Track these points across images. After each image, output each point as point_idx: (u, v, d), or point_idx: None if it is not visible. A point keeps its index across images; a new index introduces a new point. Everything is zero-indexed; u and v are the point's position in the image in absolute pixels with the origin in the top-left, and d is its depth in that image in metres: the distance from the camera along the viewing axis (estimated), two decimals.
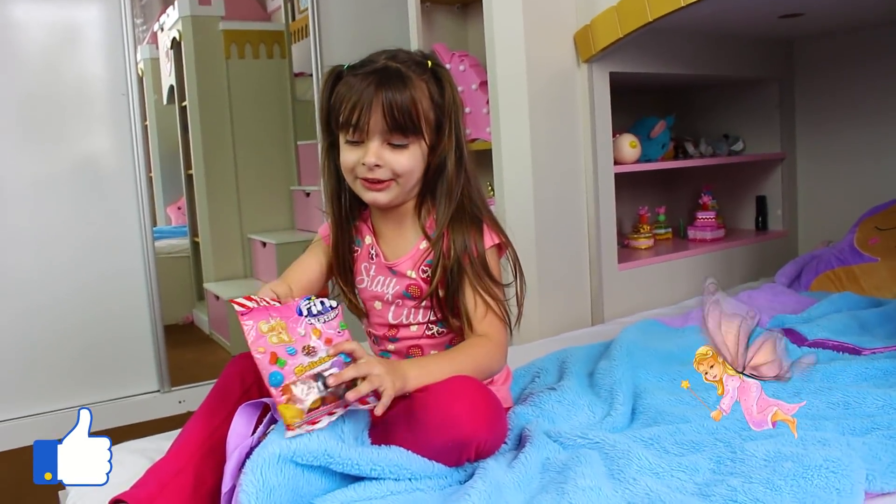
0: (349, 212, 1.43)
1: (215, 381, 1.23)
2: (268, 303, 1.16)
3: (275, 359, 1.09)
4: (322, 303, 1.16)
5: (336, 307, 1.18)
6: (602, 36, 2.20)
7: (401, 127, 1.26)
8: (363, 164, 1.29)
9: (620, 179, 2.57)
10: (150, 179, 3.15)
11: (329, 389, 1.09)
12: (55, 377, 2.94)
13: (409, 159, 1.29)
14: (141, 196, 3.05)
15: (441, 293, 1.33)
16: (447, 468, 1.15)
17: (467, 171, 1.35)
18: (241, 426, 1.15)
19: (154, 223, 3.16)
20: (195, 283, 4.73)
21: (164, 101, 5.12)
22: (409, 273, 1.36)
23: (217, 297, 4.11)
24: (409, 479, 1.09)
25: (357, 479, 1.10)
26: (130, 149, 3.02)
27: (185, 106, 4.48)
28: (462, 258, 1.32)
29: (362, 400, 1.10)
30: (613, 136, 2.45)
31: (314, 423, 1.08)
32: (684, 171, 3.11)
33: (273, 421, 1.15)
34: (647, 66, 2.42)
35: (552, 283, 2.31)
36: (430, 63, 1.33)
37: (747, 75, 2.81)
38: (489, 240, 1.34)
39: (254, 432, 1.14)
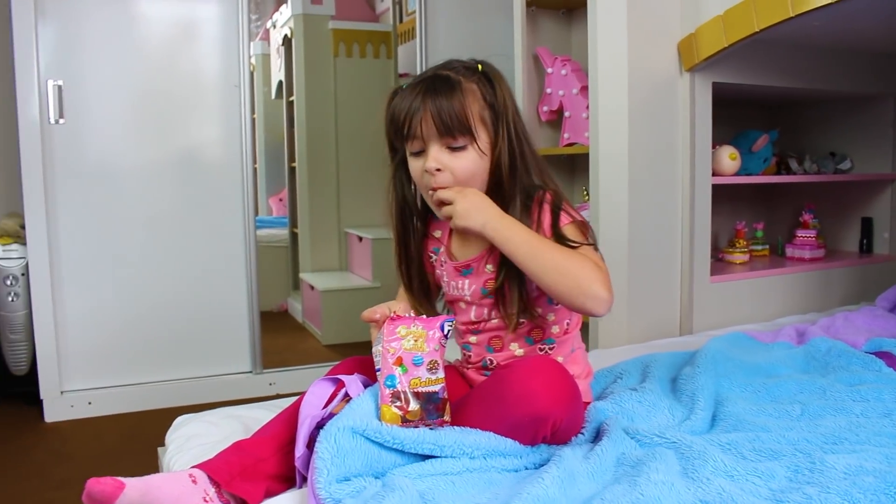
0: (417, 224, 1.49)
1: (305, 366, 1.29)
2: (413, 316, 1.26)
3: (398, 362, 1.18)
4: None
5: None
6: (706, 45, 2.18)
7: (450, 128, 1.30)
8: (426, 172, 1.33)
9: (719, 192, 2.54)
10: (255, 171, 3.27)
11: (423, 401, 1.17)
12: (158, 351, 3.11)
13: (467, 161, 1.33)
14: (246, 186, 3.18)
15: (512, 290, 1.34)
16: (522, 447, 1.18)
17: (528, 164, 1.37)
18: (314, 398, 1.23)
19: (256, 213, 3.28)
20: (292, 273, 4.88)
21: (273, 96, 5.29)
22: (487, 268, 1.39)
23: (312, 287, 4.22)
24: (484, 457, 1.12)
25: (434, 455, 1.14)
26: (239, 140, 3.16)
27: (293, 101, 4.63)
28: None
29: (440, 422, 1.18)
30: (713, 147, 2.42)
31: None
32: (786, 187, 3.05)
33: (346, 398, 1.21)
34: (752, 78, 2.38)
35: (642, 289, 2.30)
36: (480, 67, 1.38)
37: (860, 91, 2.72)
38: (564, 219, 1.35)
39: (326, 406, 1.21)
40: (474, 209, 1.27)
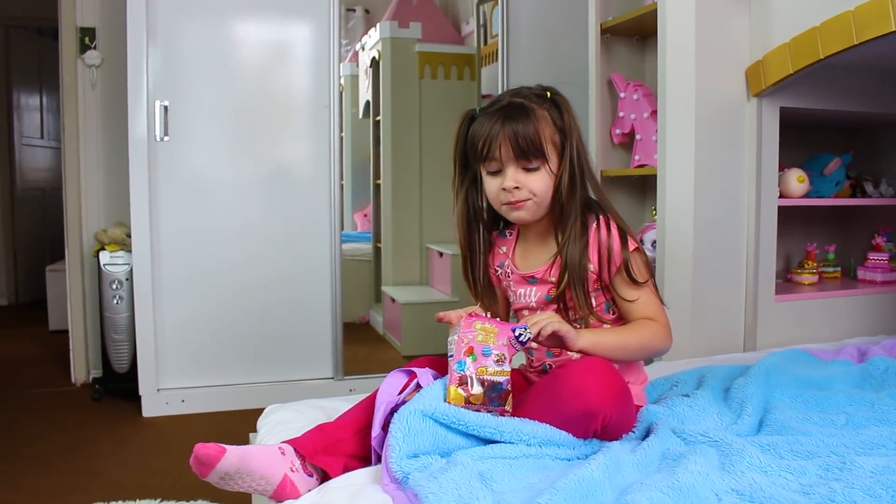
0: (484, 235, 1.64)
1: (384, 375, 1.44)
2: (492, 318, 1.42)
3: (469, 352, 1.32)
4: (530, 339, 1.37)
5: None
6: (773, 71, 2.25)
7: (526, 153, 1.46)
8: (504, 190, 1.49)
9: (791, 215, 2.58)
10: (341, 187, 3.43)
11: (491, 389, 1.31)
12: (247, 355, 3.30)
13: (541, 180, 1.49)
14: (333, 202, 3.34)
15: (577, 296, 1.49)
16: (574, 439, 1.30)
17: (587, 183, 1.52)
18: (389, 387, 1.38)
19: (342, 227, 3.44)
20: (374, 286, 5.04)
21: (360, 115, 5.49)
22: (550, 278, 1.54)
23: (393, 300, 4.37)
24: (539, 446, 1.24)
25: (494, 440, 1.27)
26: (328, 158, 3.33)
27: (379, 120, 4.80)
28: (607, 267, 1.50)
29: (501, 410, 1.31)
30: (781, 170, 2.48)
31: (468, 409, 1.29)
32: (863, 211, 3.05)
33: (418, 388, 1.36)
34: (821, 103, 2.43)
35: (706, 306, 2.37)
36: (549, 94, 1.52)
37: None
38: (631, 245, 1.51)
39: (400, 393, 1.36)
40: (577, 333, 1.41)
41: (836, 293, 2.62)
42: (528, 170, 1.48)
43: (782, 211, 2.48)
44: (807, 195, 2.57)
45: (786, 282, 2.79)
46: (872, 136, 3.11)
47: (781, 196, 2.49)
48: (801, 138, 2.80)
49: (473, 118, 1.54)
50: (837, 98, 2.46)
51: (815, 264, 2.80)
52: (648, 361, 2.11)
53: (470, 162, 1.56)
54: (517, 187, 1.48)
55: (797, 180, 2.51)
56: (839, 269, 2.93)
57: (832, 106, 2.46)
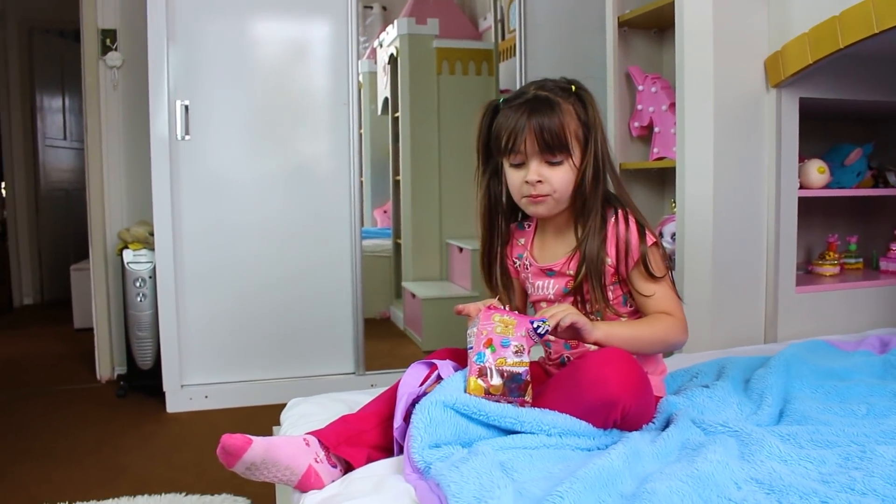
0: (504, 227, 1.65)
1: (405, 370, 1.45)
2: (511, 310, 1.44)
3: (488, 343, 1.34)
4: (548, 331, 1.39)
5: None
6: (792, 62, 2.24)
7: (551, 146, 1.47)
8: (526, 183, 1.50)
9: (812, 206, 2.56)
10: (361, 183, 3.45)
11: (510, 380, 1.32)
12: (268, 351, 3.32)
13: (564, 174, 1.50)
14: (353, 198, 3.36)
15: (594, 290, 1.50)
16: (594, 429, 1.31)
17: (606, 181, 1.53)
18: (411, 378, 1.40)
19: (362, 224, 3.46)
20: (394, 282, 5.06)
21: (379, 112, 5.51)
22: (568, 272, 1.55)
23: (413, 296, 4.39)
24: (560, 436, 1.25)
25: (514, 430, 1.28)
26: (347, 154, 3.35)
27: (398, 117, 4.82)
28: (624, 260, 1.51)
29: (520, 401, 1.32)
30: (801, 161, 2.47)
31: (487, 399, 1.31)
32: (885, 201, 3.03)
33: (439, 379, 1.37)
34: (841, 93, 2.41)
35: (726, 298, 2.37)
36: (573, 87, 1.52)
37: None
38: (649, 239, 1.52)
39: (421, 385, 1.38)
40: (592, 325, 1.42)
41: (858, 284, 2.61)
42: (551, 164, 1.49)
43: (803, 202, 2.47)
44: (827, 186, 2.56)
45: (807, 273, 2.78)
46: (894, 125, 3.09)
47: (802, 187, 2.48)
48: (821, 129, 2.79)
49: (497, 109, 1.55)
50: (858, 88, 2.44)
51: (836, 255, 2.79)
52: (668, 353, 2.12)
53: (493, 153, 1.58)
54: (540, 181, 1.49)
55: (818, 171, 2.50)
56: (861, 260, 2.92)
57: (852, 96, 2.44)
